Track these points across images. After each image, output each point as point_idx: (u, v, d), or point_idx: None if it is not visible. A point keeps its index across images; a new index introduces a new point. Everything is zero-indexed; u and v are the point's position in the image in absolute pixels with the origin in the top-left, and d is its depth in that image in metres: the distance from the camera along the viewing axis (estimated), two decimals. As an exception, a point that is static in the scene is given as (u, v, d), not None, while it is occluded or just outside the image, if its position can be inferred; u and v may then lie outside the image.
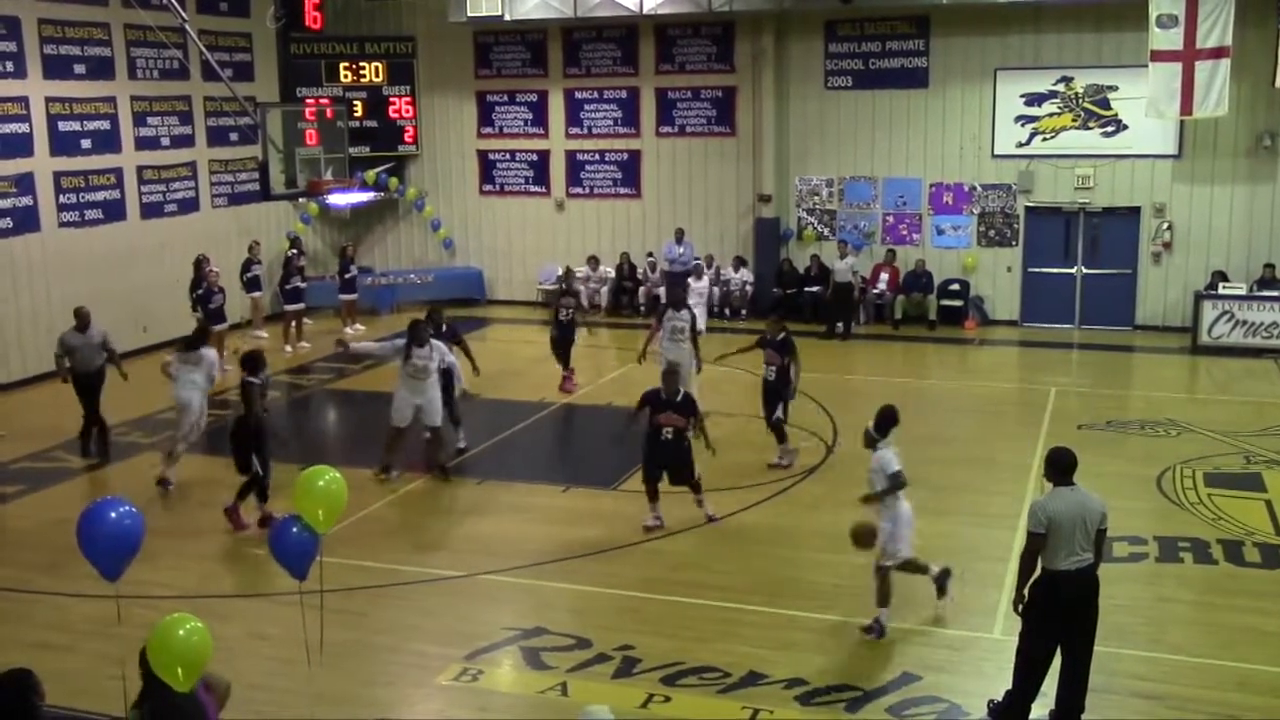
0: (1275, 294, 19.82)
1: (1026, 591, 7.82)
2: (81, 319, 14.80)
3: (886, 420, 9.63)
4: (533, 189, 24.95)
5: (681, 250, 22.80)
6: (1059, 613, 7.78)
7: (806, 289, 22.48)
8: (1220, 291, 19.98)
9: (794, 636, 9.38)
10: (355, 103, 24.47)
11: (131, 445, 15.15)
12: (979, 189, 22.15)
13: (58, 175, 18.88)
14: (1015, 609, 7.93)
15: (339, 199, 23.61)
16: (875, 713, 8.21)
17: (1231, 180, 20.74)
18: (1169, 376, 18.61)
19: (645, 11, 22.19)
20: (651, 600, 10.12)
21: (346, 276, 22.24)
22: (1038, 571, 7.79)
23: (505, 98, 24.85)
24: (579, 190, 24.66)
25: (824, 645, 9.24)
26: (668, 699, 8.40)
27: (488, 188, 25.24)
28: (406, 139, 25.07)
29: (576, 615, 9.82)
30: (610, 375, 18.57)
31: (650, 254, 23.66)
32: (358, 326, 21.96)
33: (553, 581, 10.54)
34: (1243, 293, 19.92)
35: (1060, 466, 7.88)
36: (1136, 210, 21.31)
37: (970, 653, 9.14)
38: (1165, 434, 14.87)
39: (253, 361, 12.05)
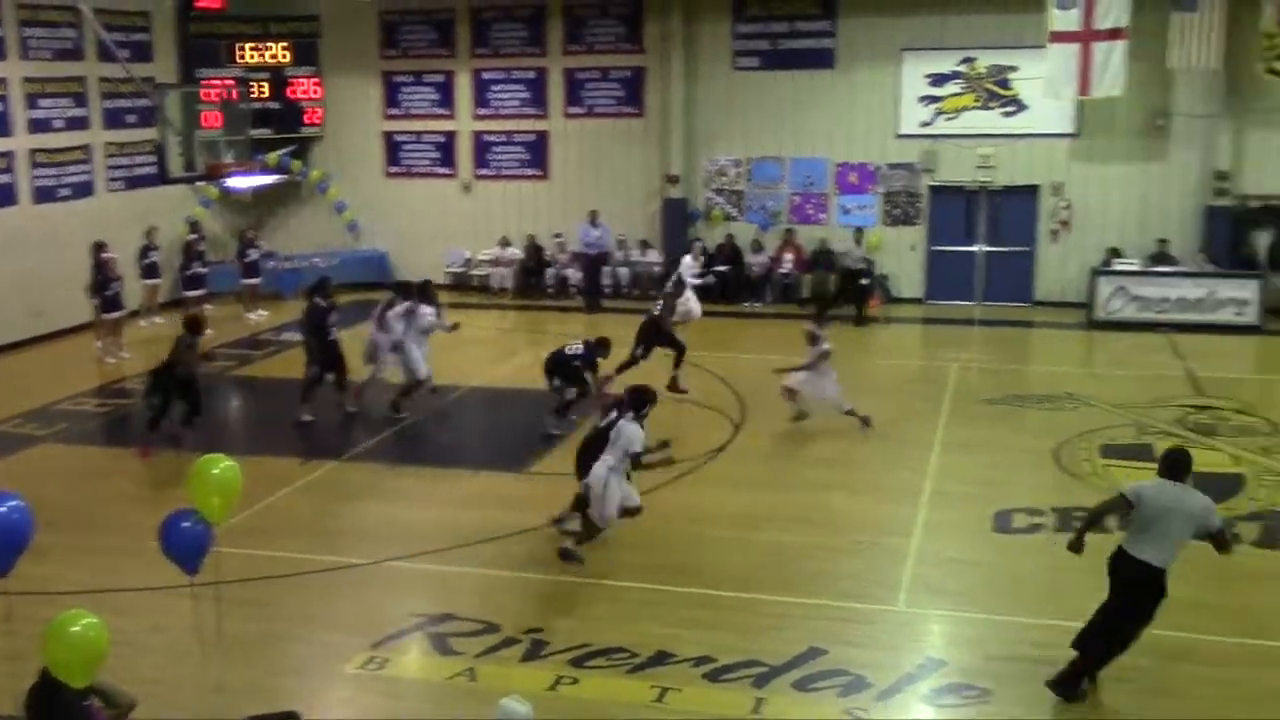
0: (1167, 270, 20.42)
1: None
2: None
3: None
4: (439, 170, 24.71)
5: (598, 233, 22.75)
6: (1113, 584, 8.07)
7: (715, 269, 22.57)
8: (1115, 268, 20.56)
9: (702, 615, 9.44)
10: (258, 84, 24.00)
11: (26, 437, 14.73)
12: (884, 169, 22.43)
13: (-56, 159, 18.27)
14: (1070, 548, 8.26)
15: (240, 182, 23.17)
16: (782, 687, 8.30)
17: (1126, 159, 21.26)
18: (1067, 351, 19.06)
19: (553, -9, 22.11)
20: (560, 582, 10.12)
21: (247, 261, 21.86)
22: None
23: (411, 78, 24.56)
24: (486, 172, 24.48)
25: (732, 622, 9.30)
26: (576, 681, 8.41)
27: (394, 169, 24.95)
28: (311, 120, 24.66)
29: (485, 599, 9.78)
30: (519, 359, 18.49)
31: (558, 235, 23.57)
32: (261, 312, 21.60)
33: (461, 566, 10.47)
34: (1136, 269, 20.51)
35: (1164, 463, 8.13)
36: (1035, 189, 21.76)
37: (876, 626, 9.28)
38: (1063, 408, 15.22)
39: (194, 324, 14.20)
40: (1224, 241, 20.70)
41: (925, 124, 22.08)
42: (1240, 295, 19.90)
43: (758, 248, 22.73)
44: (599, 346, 14.07)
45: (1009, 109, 21.69)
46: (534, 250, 23.65)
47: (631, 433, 10.21)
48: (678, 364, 15.61)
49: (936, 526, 11.28)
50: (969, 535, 11.08)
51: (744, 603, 9.67)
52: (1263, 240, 20.77)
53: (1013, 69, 21.51)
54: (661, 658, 8.68)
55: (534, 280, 23.65)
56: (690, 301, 17.52)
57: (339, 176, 24.84)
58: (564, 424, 14.01)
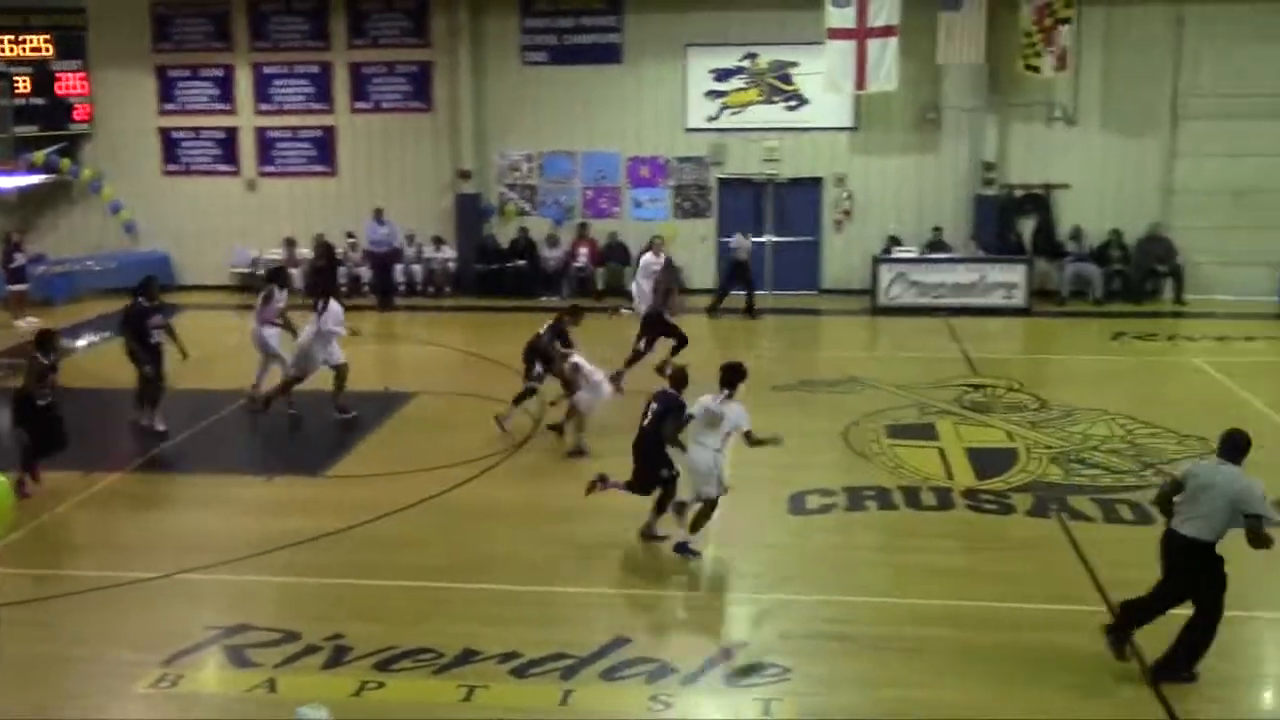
0: (942, 256, 21.44)
1: None
2: None
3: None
4: (221, 168, 23.91)
5: (385, 230, 22.40)
6: (1163, 564, 8.19)
7: (508, 265, 22.58)
8: (895, 256, 21.48)
9: (507, 611, 9.44)
10: (19, 78, 22.73)
11: None
12: (674, 162, 22.82)
13: None
14: None
15: (3, 182, 21.87)
16: (590, 678, 8.37)
17: (902, 151, 22.24)
18: (852, 337, 19.82)
19: (334, -16, 21.68)
20: (363, 586, 9.95)
21: (12, 265, 20.64)
22: None
23: (188, 73, 23.68)
24: (271, 169, 23.82)
25: (536, 616, 9.33)
26: (381, 685, 8.29)
27: (172, 167, 24.01)
28: (79, 117, 23.50)
29: (284, 608, 9.54)
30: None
31: (350, 234, 23.11)
32: (31, 319, 20.41)
33: (258, 575, 10.18)
34: (915, 256, 21.47)
35: (1221, 442, 8.21)
36: (819, 181, 22.53)
37: (679, 611, 9.48)
38: (851, 391, 15.81)
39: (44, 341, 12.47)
40: (992, 228, 21.88)
41: (712, 118, 22.58)
42: (1009, 279, 21.09)
43: (553, 242, 22.83)
44: (570, 314, 14.15)
45: (792, 103, 22.38)
46: (324, 249, 23.11)
47: (739, 412, 10.20)
48: (676, 351, 16.04)
49: (735, 511, 11.53)
50: (766, 518, 11.41)
51: (548, 596, 9.72)
52: (1027, 226, 22.08)
53: (794, 64, 22.21)
54: (467, 656, 8.64)
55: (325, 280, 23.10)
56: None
57: (113, 175, 23.74)
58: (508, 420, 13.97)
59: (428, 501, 11.83)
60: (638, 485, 10.71)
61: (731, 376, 10.36)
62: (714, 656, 8.61)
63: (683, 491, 10.56)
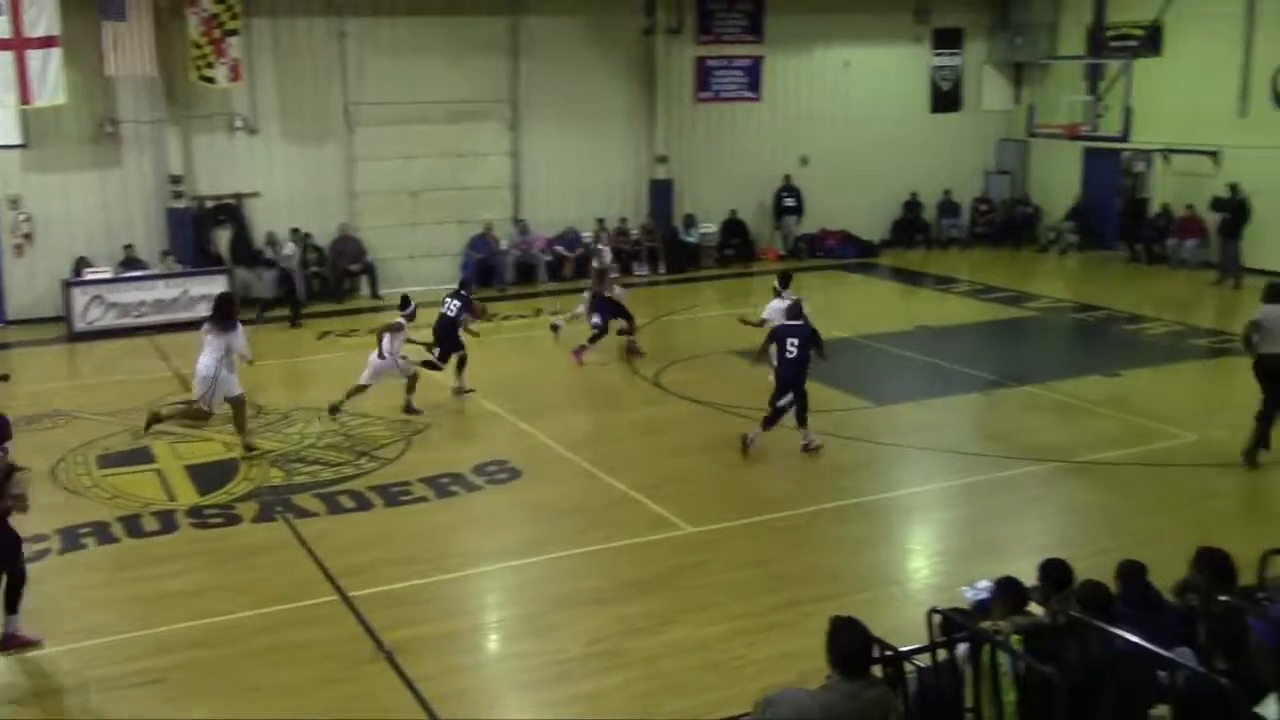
0: (139, 274, 20.78)
1: None
2: None
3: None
4: None
5: None
6: (1265, 383, 12.57)
7: None
8: (87, 278, 20.41)
9: None
10: None
11: None
12: None
13: None
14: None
15: None
16: None
17: (82, 167, 21.13)
18: (49, 368, 18.50)
19: None
20: None
21: None
22: None
23: None
24: None
25: None
26: None
27: None
28: None
29: None
30: None
31: None
32: None
33: None
34: (109, 276, 20.58)
35: (1267, 291, 12.54)
36: (-9, 203, 20.66)
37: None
38: (54, 425, 14.79)
39: None
40: (188, 242, 21.61)
41: None
42: (212, 291, 20.82)
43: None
44: (465, 288, 16.43)
45: (-53, 121, 20.20)
46: None
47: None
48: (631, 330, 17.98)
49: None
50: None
51: None
52: (224, 237, 22.13)
53: (-57, 77, 20.02)
54: None
55: None
56: None
57: None
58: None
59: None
60: (802, 411, 12.90)
61: (786, 280, 15.13)
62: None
63: None
